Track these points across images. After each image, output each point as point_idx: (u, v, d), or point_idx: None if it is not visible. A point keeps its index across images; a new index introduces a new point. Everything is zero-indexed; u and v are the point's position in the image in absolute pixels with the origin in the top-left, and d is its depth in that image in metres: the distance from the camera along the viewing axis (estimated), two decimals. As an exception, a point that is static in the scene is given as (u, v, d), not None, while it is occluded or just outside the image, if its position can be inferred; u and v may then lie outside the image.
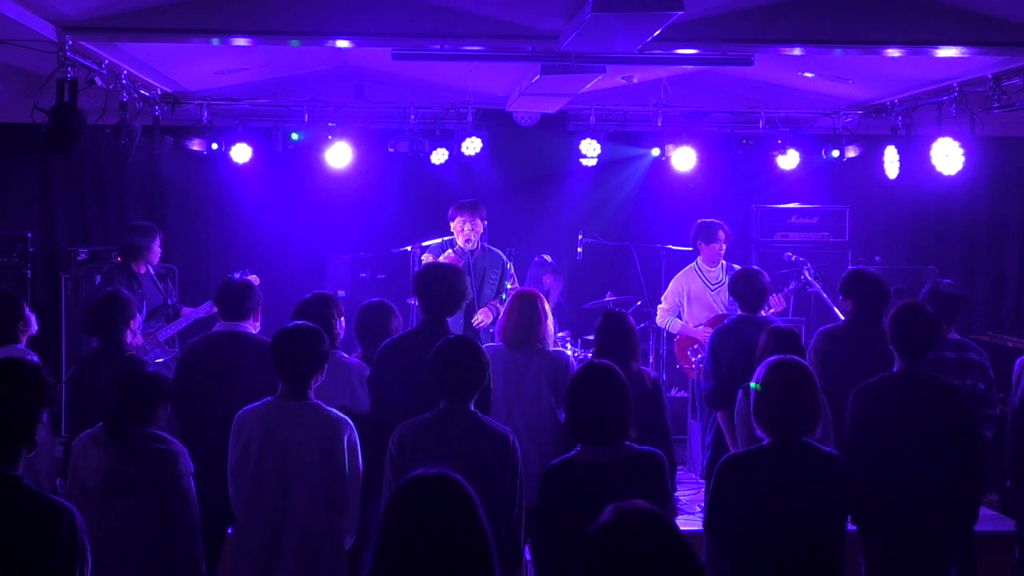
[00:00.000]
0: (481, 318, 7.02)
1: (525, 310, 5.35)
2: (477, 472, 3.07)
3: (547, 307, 5.47)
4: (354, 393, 4.98)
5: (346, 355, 5.26)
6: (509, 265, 7.37)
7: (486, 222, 7.32)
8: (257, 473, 4.28)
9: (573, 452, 3.94)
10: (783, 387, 3.85)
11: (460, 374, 4.12)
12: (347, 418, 4.35)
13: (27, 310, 5.53)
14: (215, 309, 7.23)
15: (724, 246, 7.74)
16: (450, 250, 7.19)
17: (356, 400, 4.95)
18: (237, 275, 6.90)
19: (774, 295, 7.25)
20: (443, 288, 5.00)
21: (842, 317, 7.25)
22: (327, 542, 4.28)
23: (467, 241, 7.18)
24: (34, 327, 5.56)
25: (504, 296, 7.19)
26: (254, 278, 6.56)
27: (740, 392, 5.11)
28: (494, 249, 7.45)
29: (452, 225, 7.26)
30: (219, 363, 5.20)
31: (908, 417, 4.49)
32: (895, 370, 4.65)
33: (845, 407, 4.64)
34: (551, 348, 5.51)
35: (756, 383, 3.92)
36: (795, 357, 4.08)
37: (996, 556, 5.71)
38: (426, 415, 4.13)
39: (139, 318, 5.82)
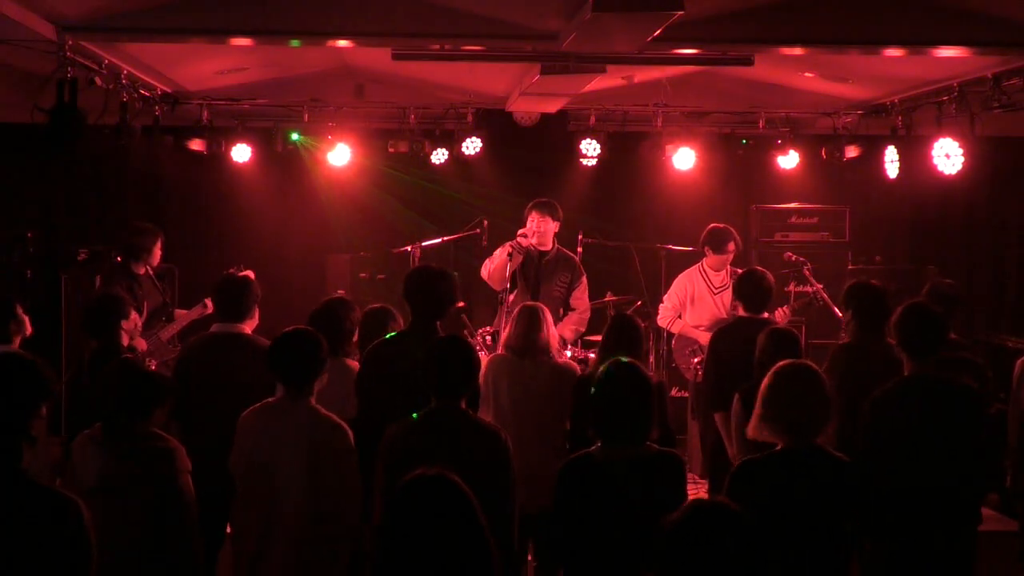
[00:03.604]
0: None
1: (528, 321, 5.43)
2: (469, 470, 3.07)
3: (550, 317, 5.52)
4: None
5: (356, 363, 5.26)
6: (583, 277, 7.43)
7: (559, 223, 7.42)
8: (249, 473, 4.28)
9: (592, 448, 3.93)
10: (795, 392, 3.85)
11: (452, 373, 4.12)
12: (344, 423, 4.35)
13: (20, 311, 5.52)
14: (208, 310, 7.24)
15: (732, 256, 7.73)
16: (509, 246, 7.25)
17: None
18: (232, 270, 6.90)
19: (780, 309, 7.24)
20: (429, 291, 5.00)
21: (840, 315, 7.26)
22: (317, 546, 4.26)
23: (524, 235, 7.26)
24: (28, 328, 5.55)
25: (566, 307, 7.35)
26: (249, 273, 6.54)
27: (736, 395, 5.11)
28: (571, 255, 7.54)
29: (526, 221, 7.36)
30: (216, 364, 5.19)
31: (924, 420, 4.45)
32: (906, 374, 4.60)
33: (857, 419, 4.60)
34: (558, 359, 5.57)
35: (764, 390, 3.91)
36: (806, 361, 4.08)
37: (996, 556, 5.70)
38: (418, 414, 4.12)
39: (133, 318, 5.81)
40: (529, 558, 5.50)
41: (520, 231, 7.33)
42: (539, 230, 7.31)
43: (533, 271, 7.34)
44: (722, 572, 2.62)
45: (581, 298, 7.41)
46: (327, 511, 4.24)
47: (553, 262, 7.38)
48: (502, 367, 5.41)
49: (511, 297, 7.25)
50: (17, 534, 2.88)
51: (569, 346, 7.18)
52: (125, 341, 5.65)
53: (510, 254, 7.20)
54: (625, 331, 5.40)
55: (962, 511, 4.53)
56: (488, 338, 7.16)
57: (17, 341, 5.48)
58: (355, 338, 5.36)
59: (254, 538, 4.27)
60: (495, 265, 7.30)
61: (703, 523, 2.68)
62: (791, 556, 3.78)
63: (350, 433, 4.34)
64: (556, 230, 7.42)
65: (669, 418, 5.31)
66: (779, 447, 3.87)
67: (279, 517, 4.23)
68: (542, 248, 7.38)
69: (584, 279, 7.45)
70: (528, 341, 5.39)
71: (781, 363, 3.99)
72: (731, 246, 7.68)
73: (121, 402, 4.23)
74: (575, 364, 5.83)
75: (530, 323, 5.42)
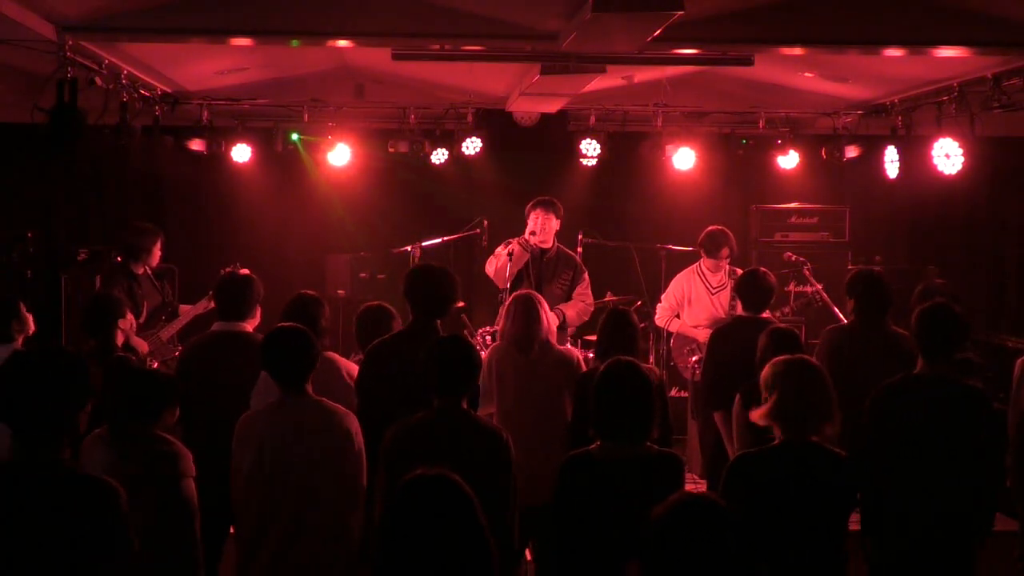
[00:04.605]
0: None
1: (524, 311, 5.40)
2: (470, 470, 3.07)
3: (546, 307, 5.51)
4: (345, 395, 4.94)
5: (338, 356, 5.26)
6: (585, 274, 7.43)
7: (561, 221, 7.43)
8: (272, 475, 4.24)
9: (593, 447, 3.93)
10: (797, 387, 3.85)
11: (453, 372, 4.12)
12: (349, 411, 4.36)
13: (24, 311, 5.51)
14: (212, 304, 7.24)
15: (727, 261, 7.71)
16: (515, 242, 7.28)
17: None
18: (229, 270, 6.90)
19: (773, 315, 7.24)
20: (430, 290, 5.00)
21: (843, 318, 7.26)
22: (342, 537, 4.26)
23: (532, 234, 7.29)
24: (31, 327, 5.55)
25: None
26: (246, 271, 6.53)
27: (738, 394, 5.11)
28: (571, 253, 7.56)
29: (528, 219, 7.38)
30: (218, 364, 5.18)
31: (929, 419, 4.45)
32: (917, 370, 4.59)
33: (851, 406, 4.61)
34: (558, 347, 5.55)
35: (765, 383, 3.91)
36: (806, 356, 4.08)
37: (996, 556, 5.70)
38: (419, 414, 4.13)
39: (130, 318, 5.81)
40: (529, 557, 5.50)
41: (529, 229, 7.34)
42: (542, 228, 7.33)
43: (536, 270, 7.35)
44: (706, 565, 2.64)
45: (585, 293, 7.41)
46: (332, 511, 4.25)
47: (554, 260, 7.40)
48: (505, 360, 5.39)
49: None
50: (60, 521, 2.91)
51: (569, 344, 7.18)
52: (120, 340, 5.64)
53: (510, 254, 7.20)
54: (619, 326, 5.39)
55: (963, 511, 4.52)
56: (488, 338, 7.17)
57: (20, 340, 5.48)
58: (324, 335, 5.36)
59: (258, 538, 4.27)
60: (501, 263, 7.31)
61: (689, 516, 2.69)
62: (787, 551, 3.78)
63: (356, 421, 4.34)
64: (558, 228, 7.43)
65: (670, 417, 5.30)
66: (776, 441, 3.88)
67: (283, 517, 4.23)
68: (543, 246, 7.39)
69: (586, 276, 7.45)
70: (529, 332, 5.37)
71: (783, 358, 3.98)
72: (725, 251, 7.65)
73: (118, 403, 4.23)
74: (575, 352, 5.82)
75: (528, 314, 5.40)
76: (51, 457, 3.00)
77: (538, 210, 7.37)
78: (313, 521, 4.22)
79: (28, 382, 3.02)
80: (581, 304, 7.36)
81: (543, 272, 7.35)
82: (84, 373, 3.11)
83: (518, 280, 7.29)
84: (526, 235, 7.32)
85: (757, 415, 3.94)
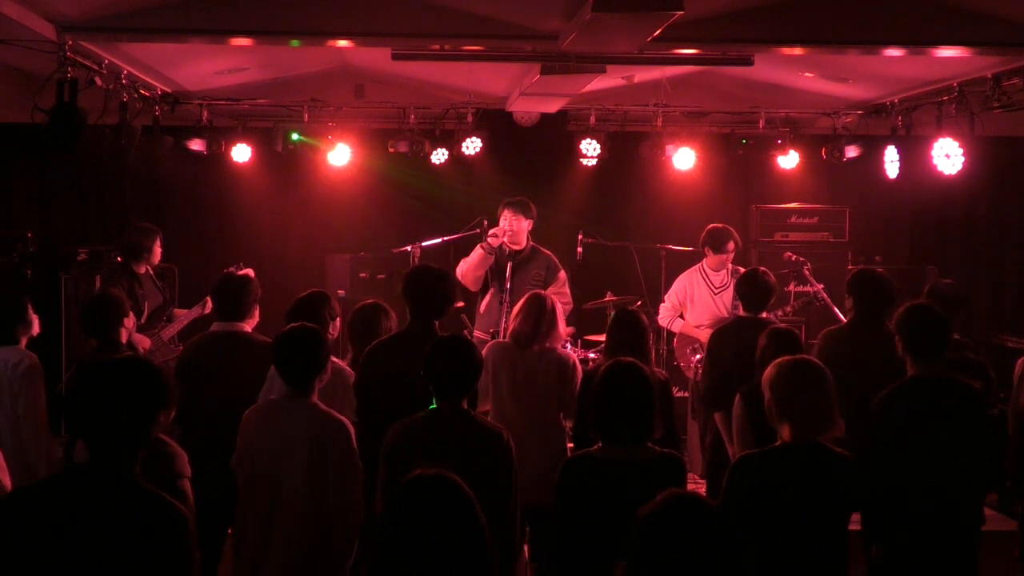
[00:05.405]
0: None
1: (535, 311, 5.40)
2: (471, 470, 3.07)
3: (558, 310, 5.50)
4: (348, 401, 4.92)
5: (339, 361, 5.25)
6: (560, 272, 7.33)
7: (532, 221, 7.38)
8: (252, 472, 4.28)
9: (594, 448, 3.92)
10: (799, 388, 3.84)
11: (454, 373, 4.12)
12: (346, 420, 4.35)
13: (30, 311, 5.51)
14: (207, 309, 7.25)
15: (732, 256, 7.71)
16: (480, 246, 7.27)
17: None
18: (232, 269, 6.91)
19: (774, 313, 7.23)
20: (428, 292, 5.01)
21: (843, 318, 7.26)
22: (320, 546, 4.25)
23: (494, 235, 7.24)
24: (36, 328, 5.55)
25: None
26: (250, 271, 6.55)
27: (738, 395, 5.10)
28: (547, 253, 7.46)
29: (499, 220, 7.36)
30: (217, 364, 5.19)
31: (932, 421, 4.45)
32: (911, 374, 4.58)
33: (849, 406, 4.59)
34: (560, 350, 5.55)
35: (768, 384, 3.91)
36: (809, 357, 4.07)
37: (996, 556, 5.70)
38: (420, 414, 4.13)
39: (132, 317, 5.80)
40: (527, 557, 5.50)
41: (491, 231, 7.31)
42: (512, 229, 7.29)
43: (505, 270, 7.29)
44: (691, 564, 2.62)
45: (561, 292, 7.28)
46: (330, 511, 4.23)
47: (526, 260, 7.32)
48: (502, 356, 5.40)
49: (487, 297, 7.29)
50: (123, 539, 2.81)
51: (569, 346, 7.16)
52: (124, 338, 5.64)
53: (492, 251, 7.19)
54: (630, 327, 5.39)
55: (965, 511, 4.53)
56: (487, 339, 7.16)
57: (24, 342, 5.48)
58: (336, 333, 5.35)
59: (257, 538, 4.27)
60: (468, 265, 7.28)
61: (674, 515, 2.67)
62: (790, 551, 3.77)
63: (352, 430, 4.34)
64: (530, 228, 7.37)
65: (675, 418, 5.31)
66: (779, 442, 3.87)
67: (282, 517, 4.23)
68: (515, 247, 7.33)
69: (561, 274, 7.34)
70: (534, 333, 5.37)
71: (786, 359, 3.98)
72: (731, 245, 7.67)
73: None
74: (572, 355, 5.82)
75: (537, 315, 5.40)
76: (121, 471, 2.89)
77: (507, 211, 7.32)
78: (301, 523, 4.21)
79: (104, 393, 2.90)
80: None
81: (513, 271, 7.27)
82: (163, 385, 3.00)
83: (485, 281, 7.26)
84: (487, 237, 7.27)
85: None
